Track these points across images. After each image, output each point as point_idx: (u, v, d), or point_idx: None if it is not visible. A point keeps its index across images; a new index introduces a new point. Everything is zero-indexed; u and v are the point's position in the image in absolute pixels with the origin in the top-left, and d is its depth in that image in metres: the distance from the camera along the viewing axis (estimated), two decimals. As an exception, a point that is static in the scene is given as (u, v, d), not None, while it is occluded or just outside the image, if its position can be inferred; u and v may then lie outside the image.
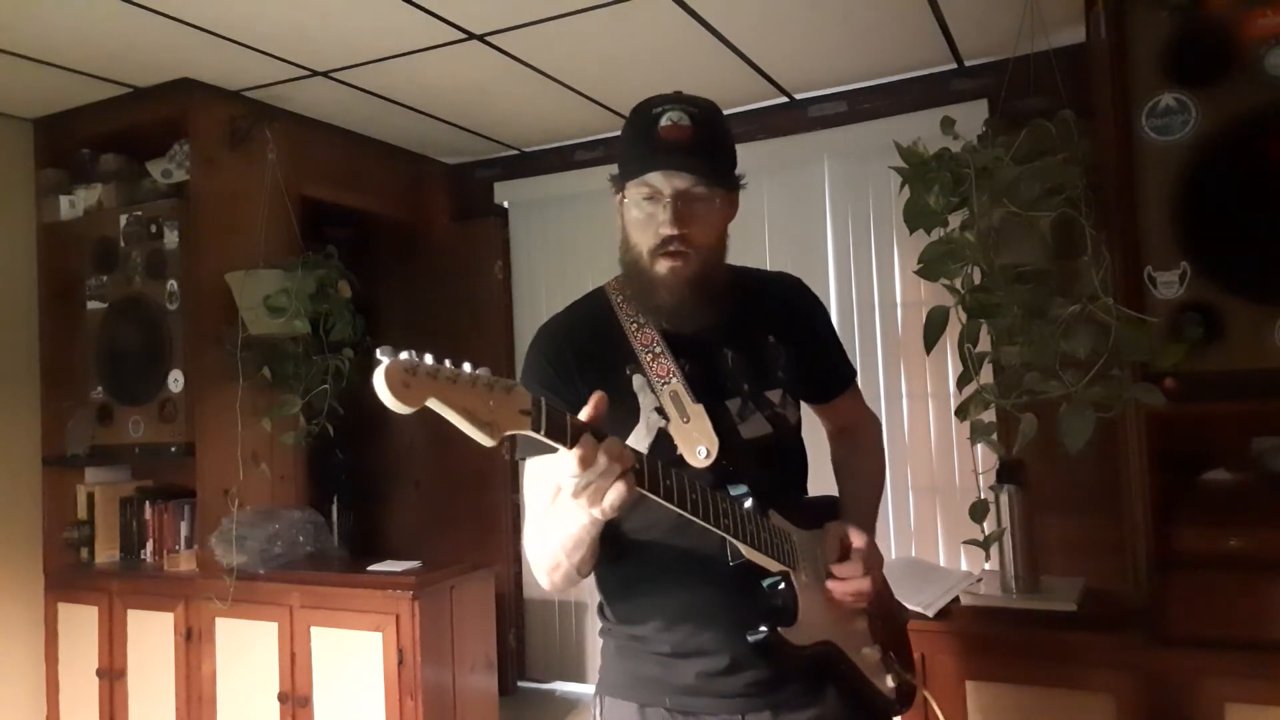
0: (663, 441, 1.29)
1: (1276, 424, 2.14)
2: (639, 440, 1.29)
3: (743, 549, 1.24)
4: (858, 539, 1.36)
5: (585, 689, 4.22)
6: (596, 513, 1.11)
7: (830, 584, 1.34)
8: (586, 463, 1.05)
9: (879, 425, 1.66)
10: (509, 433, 0.99)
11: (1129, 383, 1.95)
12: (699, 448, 1.28)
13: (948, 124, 2.25)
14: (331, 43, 3.01)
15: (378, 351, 0.93)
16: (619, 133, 1.37)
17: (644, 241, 1.32)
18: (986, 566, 2.35)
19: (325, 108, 3.63)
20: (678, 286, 1.31)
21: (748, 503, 1.27)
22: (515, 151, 4.37)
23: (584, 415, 1.08)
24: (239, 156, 3.40)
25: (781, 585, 1.29)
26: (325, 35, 2.94)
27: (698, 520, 1.17)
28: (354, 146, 3.99)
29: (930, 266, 2.17)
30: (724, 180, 1.34)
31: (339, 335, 3.25)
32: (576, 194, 4.19)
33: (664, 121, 1.29)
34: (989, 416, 2.21)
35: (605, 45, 3.10)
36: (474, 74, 3.31)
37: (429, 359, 0.95)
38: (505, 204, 4.44)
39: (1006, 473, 2.25)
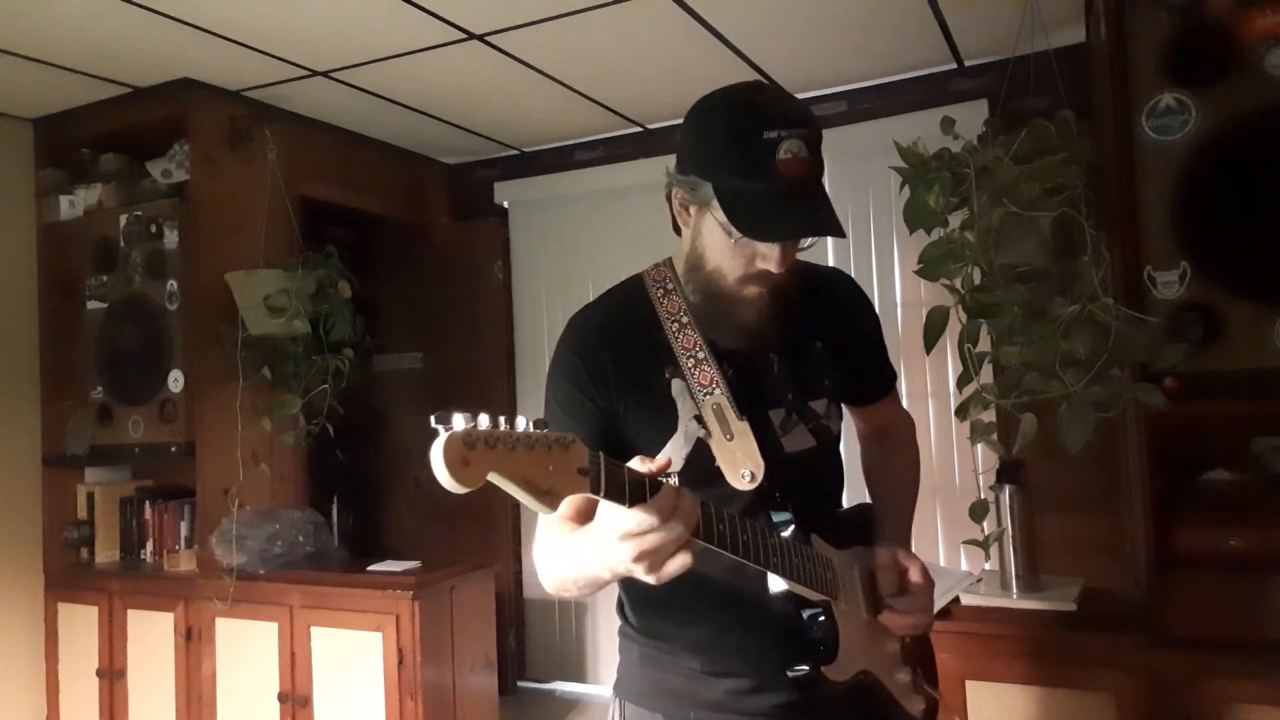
0: (701, 451, 1.24)
1: (1276, 424, 2.13)
2: (676, 450, 1.25)
3: (788, 584, 1.19)
4: (914, 570, 1.30)
5: (585, 689, 4.22)
6: (650, 579, 0.98)
7: (887, 618, 1.29)
8: (664, 516, 0.94)
9: (912, 424, 1.61)
10: (569, 498, 0.89)
11: (1129, 383, 1.94)
12: (743, 470, 1.21)
13: (948, 124, 2.25)
14: (331, 43, 3.01)
15: (433, 420, 0.82)
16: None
17: (732, 268, 1.22)
18: (986, 566, 2.35)
19: (325, 108, 3.63)
20: (763, 304, 1.25)
21: (788, 530, 1.22)
22: (515, 151, 4.37)
23: (644, 467, 0.96)
24: (239, 156, 3.40)
25: (822, 617, 1.24)
26: (325, 35, 2.94)
27: (747, 562, 1.10)
28: (354, 146, 3.98)
29: (930, 266, 2.16)
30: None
31: (339, 335, 3.25)
32: (576, 194, 4.19)
33: (782, 154, 1.13)
34: (989, 416, 2.21)
35: (605, 45, 3.10)
36: (474, 74, 3.31)
37: (484, 421, 0.83)
38: (505, 204, 4.44)
39: (1006, 473, 2.24)
